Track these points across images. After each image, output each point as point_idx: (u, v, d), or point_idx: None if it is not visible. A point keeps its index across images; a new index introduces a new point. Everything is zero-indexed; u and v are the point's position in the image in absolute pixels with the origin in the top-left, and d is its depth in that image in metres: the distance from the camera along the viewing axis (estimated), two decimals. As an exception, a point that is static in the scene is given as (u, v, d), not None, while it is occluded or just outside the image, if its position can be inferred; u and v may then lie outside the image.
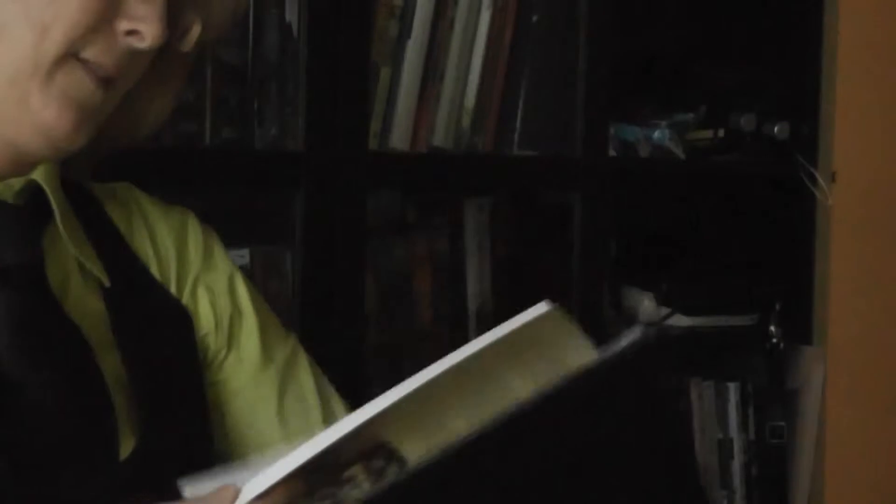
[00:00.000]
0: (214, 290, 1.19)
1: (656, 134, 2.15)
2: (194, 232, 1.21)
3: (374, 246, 1.94)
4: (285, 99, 1.83)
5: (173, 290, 1.17)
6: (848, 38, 2.17)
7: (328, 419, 1.21)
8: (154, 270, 1.17)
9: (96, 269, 1.11)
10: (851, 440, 2.32)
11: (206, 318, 1.18)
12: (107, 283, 1.11)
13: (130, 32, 1.04)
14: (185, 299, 1.18)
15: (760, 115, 2.20)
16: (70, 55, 1.04)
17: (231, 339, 1.19)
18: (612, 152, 2.10)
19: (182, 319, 1.17)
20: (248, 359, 1.20)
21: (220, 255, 1.21)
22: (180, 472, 1.08)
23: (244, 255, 1.82)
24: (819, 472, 2.29)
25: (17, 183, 1.07)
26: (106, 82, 1.06)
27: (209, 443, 1.16)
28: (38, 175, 1.08)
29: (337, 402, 1.24)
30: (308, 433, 1.17)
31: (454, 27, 1.93)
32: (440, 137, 1.94)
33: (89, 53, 1.04)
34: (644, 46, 2.17)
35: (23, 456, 1.00)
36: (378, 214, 1.98)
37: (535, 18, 1.99)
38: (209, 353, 1.19)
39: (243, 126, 1.82)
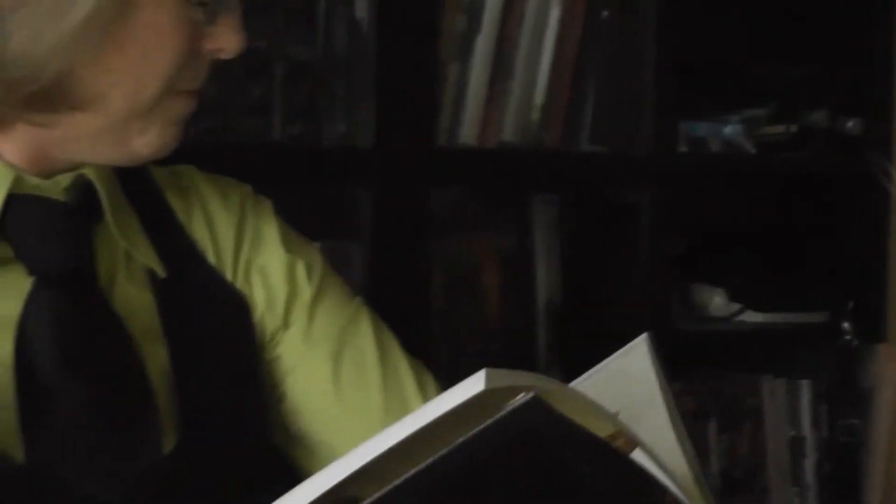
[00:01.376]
0: (268, 271, 1.18)
1: (727, 129, 2.14)
2: (251, 215, 1.20)
3: (442, 242, 1.94)
4: (354, 95, 1.83)
5: (229, 275, 1.17)
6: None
7: (391, 387, 1.20)
8: (211, 257, 1.16)
9: (150, 260, 1.11)
10: (925, 439, 2.29)
11: (259, 300, 1.17)
12: (162, 274, 1.11)
13: (215, 50, 1.06)
14: (240, 283, 1.17)
15: (833, 111, 2.18)
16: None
17: (286, 317, 1.18)
18: (682, 148, 2.09)
19: (237, 307, 1.16)
20: (301, 333, 1.18)
21: (272, 235, 1.20)
22: (226, 466, 1.08)
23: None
24: (893, 471, 2.27)
25: (65, 179, 1.06)
26: (195, 94, 1.07)
27: (264, 434, 1.16)
28: (88, 170, 1.07)
29: (405, 370, 1.22)
30: (365, 403, 1.18)
31: (523, 22, 1.92)
32: (509, 133, 1.93)
33: (182, 83, 1.05)
34: (715, 41, 2.15)
35: (61, 454, 1.00)
36: (445, 210, 1.98)
37: (604, 14, 1.98)
38: (266, 334, 1.18)
39: (312, 122, 1.82)
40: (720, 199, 2.25)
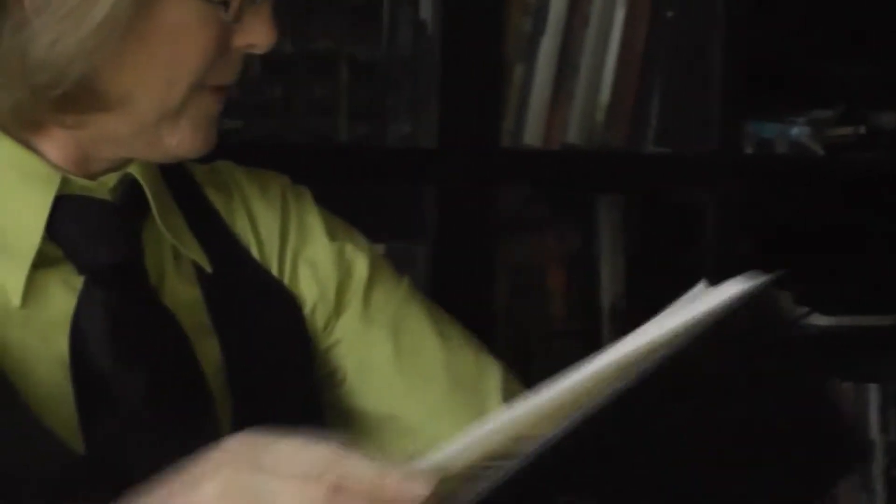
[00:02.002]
0: (317, 263, 1.18)
1: (794, 130, 2.12)
2: (294, 206, 1.19)
3: (506, 242, 1.94)
4: (418, 95, 1.83)
5: (275, 269, 1.16)
6: None
7: (451, 351, 1.20)
8: (255, 252, 1.16)
9: (198, 255, 1.11)
10: None
11: (310, 293, 1.17)
12: (209, 269, 1.11)
13: (246, 46, 1.05)
14: (288, 278, 1.17)
15: (901, 112, 2.15)
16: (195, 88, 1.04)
17: (340, 302, 1.18)
18: (748, 149, 2.07)
19: (284, 301, 1.16)
20: (357, 315, 1.18)
21: (316, 225, 1.19)
22: None
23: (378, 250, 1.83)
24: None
25: (111, 179, 1.06)
26: (227, 89, 1.07)
27: (316, 422, 1.15)
28: (133, 168, 1.07)
29: (460, 336, 1.22)
30: (428, 372, 1.19)
31: (589, 23, 1.92)
32: (573, 134, 1.93)
33: (212, 79, 1.04)
34: (781, 42, 2.14)
35: (121, 448, 1.01)
36: (510, 211, 1.98)
37: (669, 14, 1.97)
38: (319, 325, 1.18)
39: (376, 122, 1.83)
40: (786, 200, 2.23)
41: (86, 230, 1.04)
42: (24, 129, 1.03)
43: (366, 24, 1.83)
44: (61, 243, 1.03)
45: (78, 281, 1.03)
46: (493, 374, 1.21)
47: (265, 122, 1.80)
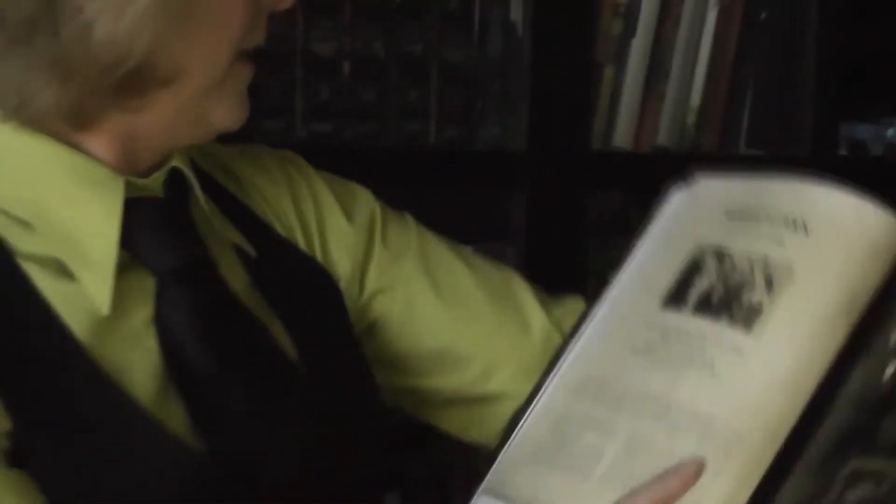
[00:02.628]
0: (340, 234, 1.18)
1: (889, 132, 2.10)
2: (298, 179, 1.19)
3: (597, 246, 1.93)
4: (508, 98, 1.83)
5: (302, 244, 1.16)
6: None
7: (481, 276, 1.21)
8: (280, 231, 1.16)
9: (242, 241, 1.11)
10: None
11: (342, 265, 1.17)
12: (253, 254, 1.11)
13: (273, 3, 1.05)
14: (320, 255, 1.17)
15: None
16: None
17: (366, 260, 1.18)
18: (842, 151, 2.05)
19: (321, 275, 1.15)
20: (386, 258, 1.18)
21: (326, 193, 1.19)
22: (349, 432, 1.09)
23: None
24: None
25: (161, 175, 1.06)
26: (254, 59, 1.06)
27: (374, 398, 1.15)
28: (176, 160, 1.07)
29: (482, 260, 1.23)
30: (467, 297, 1.20)
31: (679, 26, 1.91)
32: (664, 136, 1.92)
33: (246, 44, 1.04)
34: (876, 42, 2.11)
35: (235, 443, 1.02)
36: (601, 214, 1.97)
37: (763, 16, 1.96)
38: (355, 290, 1.18)
39: (467, 125, 1.83)
40: (882, 202, 2.20)
41: (156, 232, 1.04)
42: (76, 128, 1.02)
43: (457, 28, 1.83)
44: (134, 248, 1.03)
45: (151, 283, 1.03)
46: (516, 279, 1.23)
47: (356, 126, 1.81)
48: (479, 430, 1.20)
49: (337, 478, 1.07)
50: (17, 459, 0.94)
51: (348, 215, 1.19)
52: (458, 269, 1.21)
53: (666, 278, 1.04)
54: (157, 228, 1.04)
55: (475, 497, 1.02)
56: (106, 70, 0.97)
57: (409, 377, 1.21)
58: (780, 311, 0.97)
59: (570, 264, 1.83)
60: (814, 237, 1.00)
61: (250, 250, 1.11)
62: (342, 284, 1.17)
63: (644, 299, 1.04)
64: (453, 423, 1.23)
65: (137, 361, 1.01)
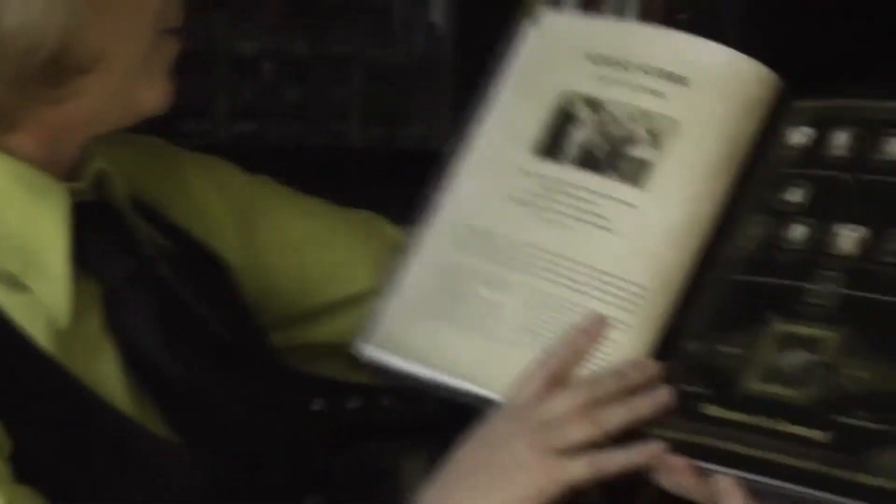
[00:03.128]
0: (215, 214, 1.17)
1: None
2: (164, 168, 1.17)
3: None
4: (432, 98, 1.83)
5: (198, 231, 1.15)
6: None
7: (339, 210, 1.24)
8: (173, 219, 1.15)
9: (162, 238, 1.09)
10: None
11: (226, 241, 1.17)
12: (173, 251, 1.09)
13: None
14: (204, 238, 1.15)
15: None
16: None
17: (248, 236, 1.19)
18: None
19: (213, 260, 1.14)
20: (260, 230, 1.19)
21: (195, 176, 1.17)
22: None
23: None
24: None
25: (88, 176, 1.03)
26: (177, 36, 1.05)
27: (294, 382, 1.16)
28: (100, 162, 1.05)
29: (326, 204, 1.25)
30: (328, 221, 1.22)
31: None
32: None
33: (166, 23, 1.03)
34: (802, 46, 2.13)
35: (215, 439, 1.03)
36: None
37: (682, 16, 1.97)
38: (244, 262, 1.18)
39: (390, 125, 1.82)
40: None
41: (102, 239, 1.02)
42: (1, 130, 0.99)
43: (380, 28, 1.82)
44: (84, 256, 1.01)
45: (97, 290, 1.02)
46: (376, 218, 1.27)
47: (280, 126, 1.79)
48: None
49: (264, 475, 1.06)
50: (19, 479, 0.93)
51: (220, 191, 1.17)
52: (336, 224, 1.23)
53: (532, 127, 1.04)
54: (102, 235, 1.03)
55: (355, 342, 1.06)
56: (22, 61, 0.95)
57: (307, 331, 1.21)
58: (669, 165, 0.98)
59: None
60: (695, 89, 1.00)
61: (170, 247, 1.09)
62: (232, 259, 1.16)
63: (512, 148, 1.04)
64: (348, 368, 1.20)
65: (103, 370, 1.00)
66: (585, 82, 1.03)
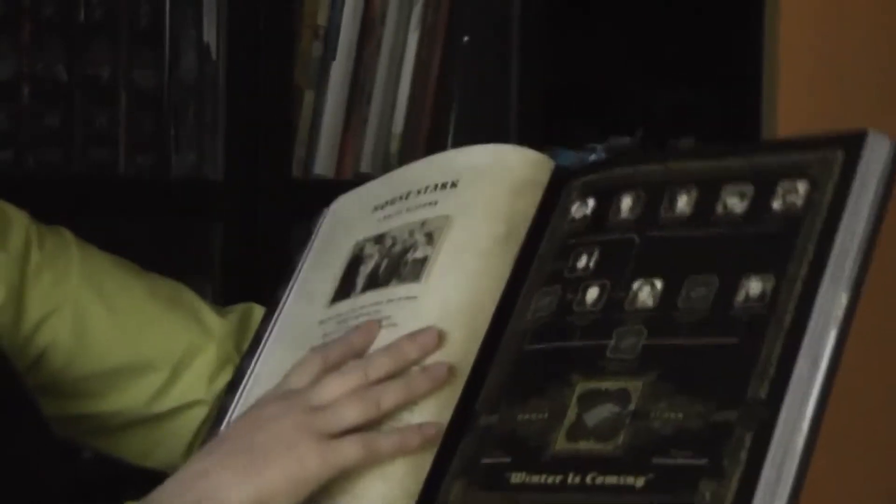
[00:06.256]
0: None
1: (592, 158, 2.10)
2: None
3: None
4: (203, 124, 1.76)
5: None
6: (789, 60, 2.14)
7: (153, 289, 1.21)
8: None
9: None
10: None
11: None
12: None
13: None
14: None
15: (699, 139, 2.15)
16: None
17: (24, 292, 1.14)
18: (549, 178, 2.04)
19: None
20: (48, 287, 1.15)
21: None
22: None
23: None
24: None
25: None
26: None
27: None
28: None
29: (146, 274, 1.24)
30: (141, 314, 1.19)
31: (381, 48, 1.85)
32: (367, 163, 1.86)
33: None
34: (580, 68, 2.11)
35: None
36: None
37: (465, 39, 1.92)
38: (16, 322, 1.14)
39: (159, 153, 1.75)
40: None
41: None
42: None
43: (147, 49, 1.75)
44: None
45: None
46: (185, 289, 1.24)
47: (39, 153, 1.71)
48: (167, 449, 1.18)
49: None
50: None
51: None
52: (126, 282, 1.19)
53: (328, 286, 1.11)
54: None
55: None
56: None
57: (88, 401, 1.17)
58: (443, 255, 1.04)
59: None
60: (464, 186, 1.07)
61: None
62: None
63: (310, 310, 1.10)
64: (133, 447, 1.19)
65: None
66: (372, 227, 1.11)
